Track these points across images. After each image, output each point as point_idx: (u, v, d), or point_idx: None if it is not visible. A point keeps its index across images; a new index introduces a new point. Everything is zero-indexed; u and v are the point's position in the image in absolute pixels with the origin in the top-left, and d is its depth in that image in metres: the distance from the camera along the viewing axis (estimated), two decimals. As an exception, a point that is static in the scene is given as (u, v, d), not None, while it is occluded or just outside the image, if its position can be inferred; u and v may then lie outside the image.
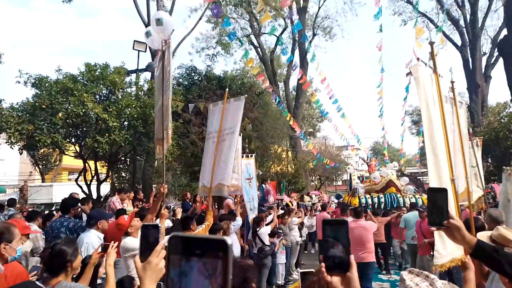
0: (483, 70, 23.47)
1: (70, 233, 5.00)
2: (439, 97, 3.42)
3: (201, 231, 5.08)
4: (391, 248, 9.80)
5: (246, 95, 7.35)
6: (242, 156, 8.59)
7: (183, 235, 0.70)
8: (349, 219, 6.92)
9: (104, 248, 3.00)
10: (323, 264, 1.08)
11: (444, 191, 1.69)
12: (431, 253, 5.26)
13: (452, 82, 3.80)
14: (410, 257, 8.17)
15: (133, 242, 4.10)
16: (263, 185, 13.21)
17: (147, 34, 4.92)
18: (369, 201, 11.87)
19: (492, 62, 24.35)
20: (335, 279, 1.06)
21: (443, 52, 15.33)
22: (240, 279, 1.22)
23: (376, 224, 6.93)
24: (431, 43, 3.65)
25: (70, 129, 9.03)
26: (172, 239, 0.70)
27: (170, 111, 4.74)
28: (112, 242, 2.99)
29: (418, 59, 3.49)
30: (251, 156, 9.18)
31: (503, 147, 16.20)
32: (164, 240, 4.17)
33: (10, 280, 2.62)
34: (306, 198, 18.15)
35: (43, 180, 24.43)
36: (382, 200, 11.95)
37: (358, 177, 14.82)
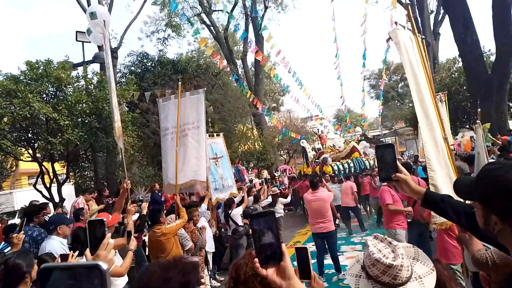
0: (432, 28, 24.19)
1: (33, 242, 4.87)
2: (421, 58, 3.43)
3: (175, 226, 5.00)
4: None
5: (205, 88, 7.16)
6: None
7: (53, 266, 0.66)
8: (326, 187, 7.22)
9: (63, 257, 2.87)
10: (256, 259, 1.08)
11: (391, 146, 1.75)
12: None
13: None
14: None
15: None
16: (237, 166, 13.29)
17: (88, 32, 4.85)
18: (340, 167, 12.56)
19: (439, 19, 25.14)
20: (270, 271, 1.07)
21: (394, 14, 15.55)
22: (179, 285, 1.15)
23: (333, 193, 7.12)
24: (407, 5, 3.65)
25: (19, 133, 8.49)
26: (42, 272, 0.65)
27: (115, 102, 4.54)
28: (71, 252, 2.89)
29: (396, 23, 3.42)
30: (218, 135, 9.00)
31: (455, 102, 16.99)
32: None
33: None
34: (265, 173, 18.30)
35: (0, 188, 23.13)
36: (352, 165, 12.76)
37: (312, 148, 15.33)
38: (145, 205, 5.53)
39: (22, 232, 3.93)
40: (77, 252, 2.89)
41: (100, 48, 11.90)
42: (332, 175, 11.45)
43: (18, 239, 3.66)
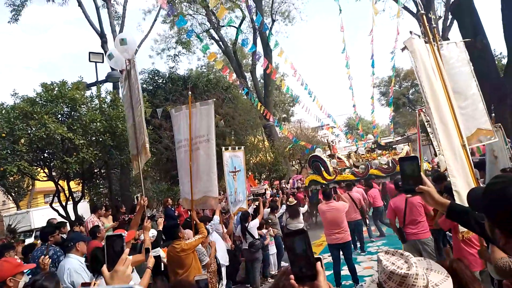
0: (440, 33, 24.07)
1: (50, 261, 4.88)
2: (437, 66, 3.42)
3: (195, 241, 5.01)
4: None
5: (214, 99, 7.09)
6: (227, 149, 8.48)
7: None
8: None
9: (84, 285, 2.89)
10: (292, 276, 1.12)
11: (414, 159, 1.74)
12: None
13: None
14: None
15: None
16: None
17: (110, 57, 4.99)
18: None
19: (448, 24, 25.00)
20: None
21: (401, 22, 15.63)
22: None
23: (347, 203, 7.02)
24: (422, 15, 3.65)
25: (36, 153, 8.67)
26: None
27: (144, 126, 4.65)
28: (93, 280, 2.93)
29: (410, 32, 3.42)
30: (240, 148, 8.89)
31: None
32: (152, 252, 4.09)
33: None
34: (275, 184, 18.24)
35: (18, 208, 23.52)
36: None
37: (329, 155, 15.40)
38: (160, 221, 5.55)
39: (48, 256, 3.97)
40: (99, 281, 2.90)
41: (113, 68, 12.18)
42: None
43: (43, 264, 3.71)
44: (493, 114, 7.12)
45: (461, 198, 2.93)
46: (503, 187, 1.05)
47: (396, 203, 5.48)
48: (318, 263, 1.12)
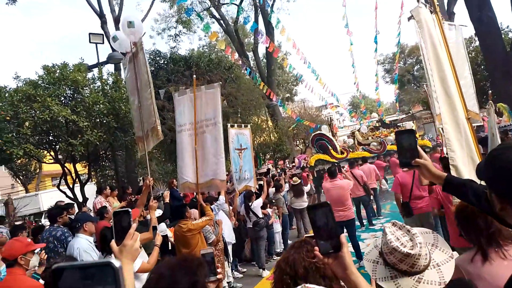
0: (445, 7, 23.48)
1: (58, 242, 5.01)
2: (443, 38, 3.35)
3: (202, 222, 5.08)
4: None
5: (220, 82, 6.97)
6: (233, 126, 8.42)
7: (65, 266, 0.66)
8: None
9: None
10: (316, 248, 1.16)
11: (411, 132, 1.74)
12: None
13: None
14: None
15: None
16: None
17: (114, 39, 5.00)
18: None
19: (453, -2, 24.35)
20: (330, 260, 1.15)
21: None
22: (188, 284, 1.21)
23: (352, 181, 7.06)
24: None
25: (41, 136, 8.73)
26: (55, 272, 0.66)
27: (155, 108, 4.62)
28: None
29: (418, 0, 3.32)
30: (246, 126, 8.80)
31: (474, 82, 16.50)
32: (158, 228, 4.14)
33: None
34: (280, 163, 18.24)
35: (26, 191, 23.89)
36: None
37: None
38: (166, 193, 5.70)
39: (44, 251, 4.00)
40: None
41: (114, 49, 12.07)
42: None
43: (41, 259, 3.74)
44: (490, 91, 7.17)
45: (459, 172, 2.88)
46: (503, 152, 1.08)
47: (403, 178, 5.49)
48: (342, 235, 1.14)
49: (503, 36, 15.64)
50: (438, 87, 3.18)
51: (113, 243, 1.46)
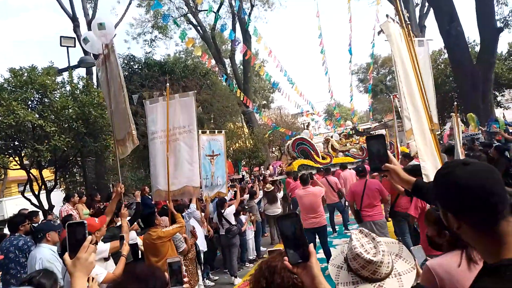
0: (417, 20, 24.37)
1: (19, 251, 4.83)
2: (409, 51, 3.44)
3: (172, 230, 4.98)
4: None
5: (195, 91, 6.95)
6: (205, 132, 8.35)
7: None
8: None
9: None
10: (286, 258, 1.20)
11: (381, 137, 1.75)
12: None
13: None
14: None
15: (100, 246, 3.99)
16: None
17: (85, 41, 4.91)
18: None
19: (424, 12, 25.34)
20: (299, 270, 1.19)
21: (380, 9, 15.71)
22: None
23: (324, 188, 7.14)
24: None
25: (5, 141, 8.37)
26: None
27: (129, 112, 4.54)
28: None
29: (387, 16, 3.41)
30: (220, 132, 8.69)
31: (442, 93, 17.17)
32: (129, 236, 4.02)
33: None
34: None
35: (-10, 198, 22.78)
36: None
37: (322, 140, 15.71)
38: (138, 193, 5.58)
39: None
40: None
41: (86, 53, 11.80)
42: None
43: None
44: (455, 103, 7.59)
45: (430, 180, 3.01)
46: (452, 170, 1.06)
47: (355, 187, 6.06)
48: (311, 245, 1.18)
49: (469, 49, 16.37)
50: (407, 100, 3.30)
51: (66, 256, 1.42)
